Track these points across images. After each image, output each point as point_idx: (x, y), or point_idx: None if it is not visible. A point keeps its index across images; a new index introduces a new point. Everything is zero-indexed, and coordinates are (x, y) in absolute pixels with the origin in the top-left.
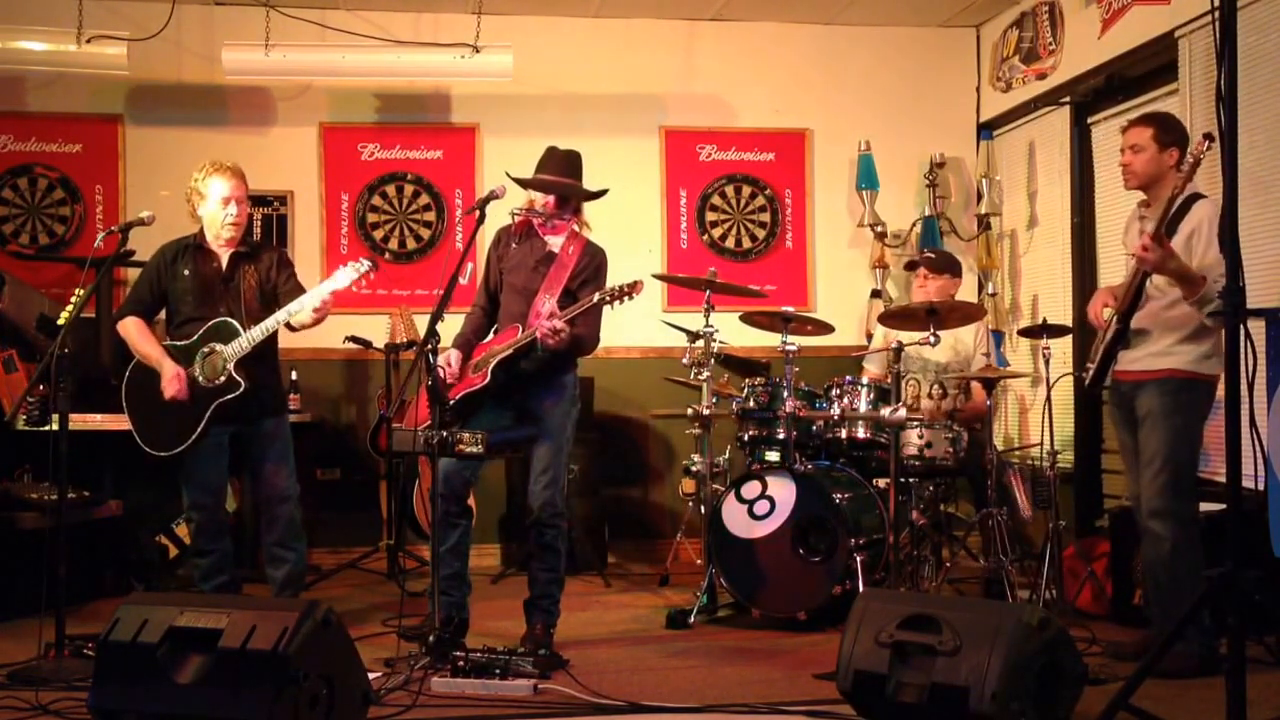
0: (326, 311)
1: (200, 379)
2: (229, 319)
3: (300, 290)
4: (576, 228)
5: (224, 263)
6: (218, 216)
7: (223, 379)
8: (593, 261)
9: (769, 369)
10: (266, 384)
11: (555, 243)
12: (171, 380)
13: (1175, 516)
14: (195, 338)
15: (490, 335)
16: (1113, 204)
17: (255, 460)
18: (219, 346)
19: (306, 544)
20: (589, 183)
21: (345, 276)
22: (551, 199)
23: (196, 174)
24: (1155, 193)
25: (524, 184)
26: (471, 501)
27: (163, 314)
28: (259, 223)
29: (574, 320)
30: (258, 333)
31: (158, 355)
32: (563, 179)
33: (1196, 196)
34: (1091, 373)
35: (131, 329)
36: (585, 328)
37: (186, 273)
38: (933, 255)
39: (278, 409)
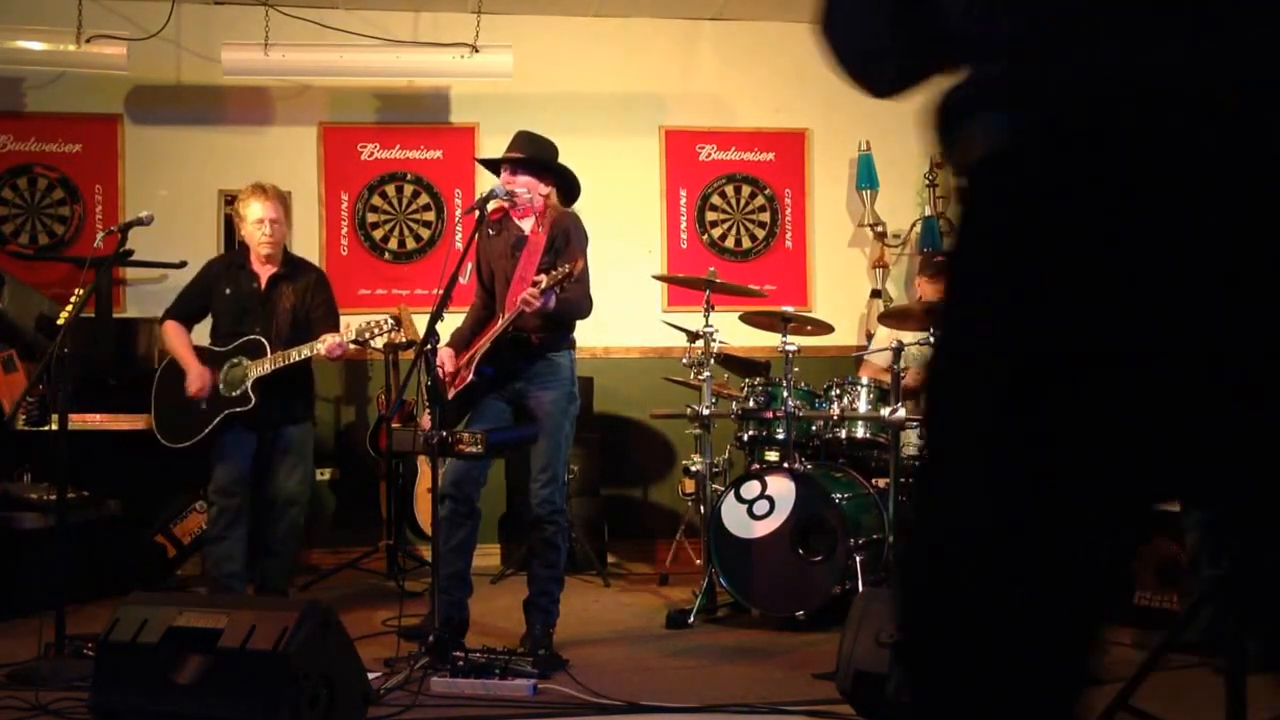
0: (338, 356)
1: (221, 386)
2: (261, 338)
3: (329, 317)
4: (546, 208)
5: (263, 282)
6: (255, 235)
7: (238, 392)
8: (560, 229)
9: (769, 369)
10: (293, 393)
11: (527, 225)
12: (195, 379)
13: None
14: (230, 348)
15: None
16: None
17: (272, 461)
18: (245, 361)
19: (300, 549)
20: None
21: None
22: (512, 179)
23: (239, 198)
24: None
25: (487, 164)
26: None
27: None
28: None
29: (555, 288)
30: (279, 359)
31: (188, 356)
32: (520, 153)
33: None
34: None
35: (170, 331)
36: (570, 293)
37: (228, 291)
38: None
39: (301, 416)
